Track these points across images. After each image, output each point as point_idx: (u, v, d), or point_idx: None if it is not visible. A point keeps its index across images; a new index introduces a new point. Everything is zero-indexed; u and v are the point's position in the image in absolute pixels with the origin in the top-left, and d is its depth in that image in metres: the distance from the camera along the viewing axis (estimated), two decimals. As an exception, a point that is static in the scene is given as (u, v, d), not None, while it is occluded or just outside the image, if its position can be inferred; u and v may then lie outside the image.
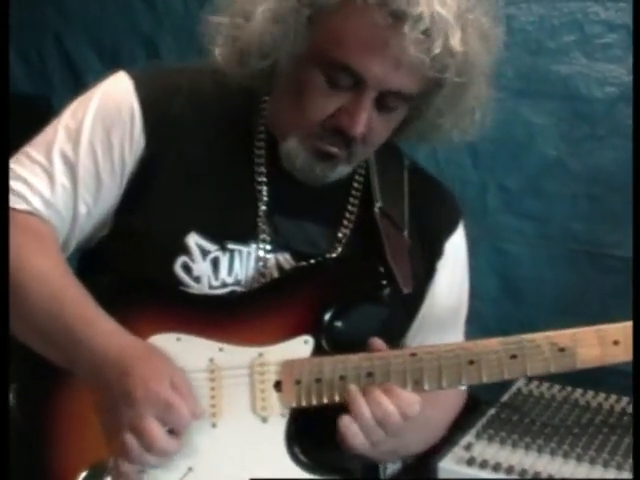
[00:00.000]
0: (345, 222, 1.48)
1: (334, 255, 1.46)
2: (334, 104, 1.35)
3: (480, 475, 2.10)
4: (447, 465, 2.12)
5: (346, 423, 1.32)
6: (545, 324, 2.68)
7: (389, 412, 1.31)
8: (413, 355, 1.35)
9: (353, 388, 1.34)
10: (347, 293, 1.41)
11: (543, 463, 2.12)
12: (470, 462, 2.12)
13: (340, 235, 1.48)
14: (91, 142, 1.41)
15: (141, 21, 3.21)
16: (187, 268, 1.42)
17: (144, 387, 1.26)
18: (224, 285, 1.44)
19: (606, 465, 2.11)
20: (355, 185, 1.50)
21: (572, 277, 2.63)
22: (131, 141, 1.41)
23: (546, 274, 2.65)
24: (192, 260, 1.42)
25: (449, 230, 1.56)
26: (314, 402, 1.36)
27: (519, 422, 2.30)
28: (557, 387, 2.51)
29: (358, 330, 1.41)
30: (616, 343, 1.34)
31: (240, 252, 1.44)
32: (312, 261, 1.44)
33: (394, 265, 1.40)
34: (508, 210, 2.69)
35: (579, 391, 2.50)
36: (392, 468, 2.14)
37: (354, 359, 1.36)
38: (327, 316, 1.40)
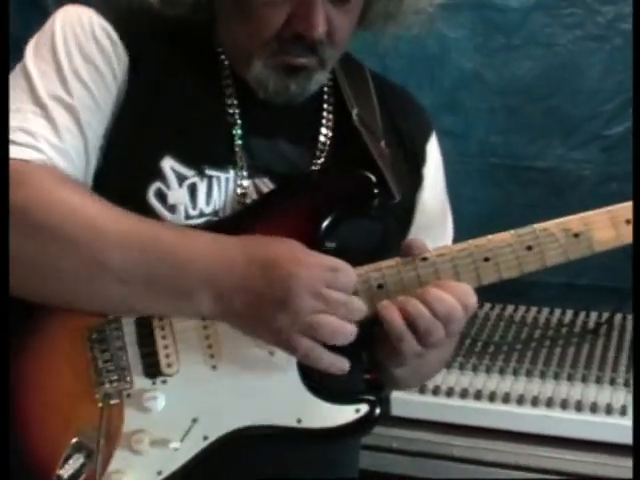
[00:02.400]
0: (322, 137, 1.40)
1: (321, 169, 1.38)
2: (283, 11, 1.27)
3: (436, 401, 2.05)
4: (399, 395, 2.05)
5: (399, 329, 1.22)
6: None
7: (452, 305, 1.22)
8: (424, 259, 1.27)
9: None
10: (337, 208, 1.31)
11: (494, 383, 2.08)
12: (422, 390, 2.07)
13: (318, 152, 1.39)
14: (77, 74, 1.28)
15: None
16: (161, 196, 1.30)
17: (297, 276, 1.19)
18: (202, 215, 1.33)
19: (557, 378, 2.09)
20: (326, 97, 1.43)
21: (491, 192, 2.59)
22: (118, 60, 1.30)
23: (464, 190, 2.57)
24: (167, 186, 1.30)
25: (426, 135, 1.51)
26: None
27: (460, 344, 2.25)
28: (488, 305, 2.49)
29: (352, 249, 1.31)
30: (628, 222, 1.30)
31: (218, 179, 1.34)
32: (293, 177, 1.36)
33: (385, 171, 1.34)
34: None
35: (511, 307, 2.49)
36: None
37: (361, 272, 1.26)
38: (317, 235, 1.29)
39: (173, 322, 1.26)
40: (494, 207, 2.57)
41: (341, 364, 1.22)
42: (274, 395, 1.27)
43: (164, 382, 1.26)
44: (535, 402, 2.01)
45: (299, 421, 1.26)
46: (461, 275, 1.28)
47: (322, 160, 1.39)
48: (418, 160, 1.48)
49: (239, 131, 1.36)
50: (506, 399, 2.03)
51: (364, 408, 1.27)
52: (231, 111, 1.36)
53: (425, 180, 1.49)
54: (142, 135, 1.30)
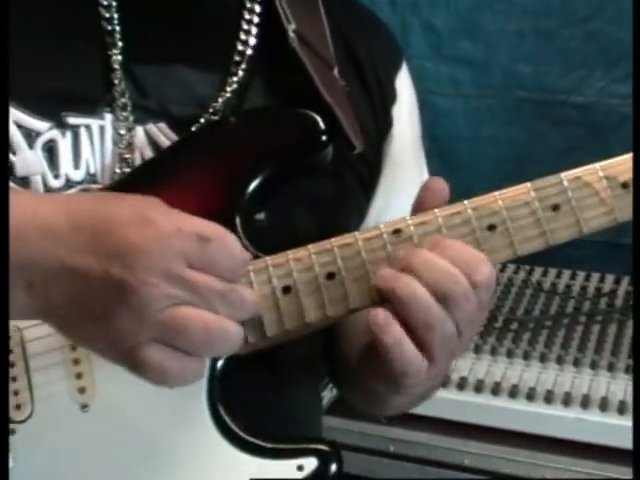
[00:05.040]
0: (241, 59, 1.04)
1: (234, 113, 1.02)
2: None
3: (444, 396, 1.66)
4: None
5: (382, 321, 0.85)
6: (485, 193, 2.39)
7: (452, 275, 0.86)
8: (397, 232, 0.90)
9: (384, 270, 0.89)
10: (268, 164, 0.96)
11: (516, 373, 1.70)
12: (445, 384, 1.67)
13: (236, 83, 1.03)
14: None
15: None
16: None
17: (141, 248, 0.80)
18: (69, 184, 0.98)
19: (595, 367, 1.70)
20: (248, 5, 1.06)
21: (518, 133, 2.27)
22: None
23: (486, 131, 2.28)
24: (12, 151, 0.97)
25: (395, 65, 1.18)
26: (248, 339, 0.89)
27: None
28: (512, 267, 2.10)
29: (293, 222, 1.02)
30: None
31: (88, 128, 0.99)
32: (205, 123, 1.01)
33: (337, 110, 0.99)
34: (437, 55, 2.29)
35: (539, 270, 2.09)
36: (329, 397, 1.70)
37: (302, 255, 0.89)
38: (243, 207, 0.94)
39: (25, 339, 0.90)
40: (521, 151, 2.25)
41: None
42: (174, 449, 0.90)
43: (12, 432, 0.89)
44: (568, 401, 1.63)
45: None
46: None
47: (244, 92, 1.03)
48: (385, 98, 1.13)
49: (119, 56, 0.99)
50: (531, 396, 1.64)
51: (310, 464, 0.90)
52: (108, 27, 1.00)
53: (395, 124, 1.14)
54: None
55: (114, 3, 1.00)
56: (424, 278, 0.85)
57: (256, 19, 1.05)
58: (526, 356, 1.74)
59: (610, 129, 2.17)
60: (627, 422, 1.57)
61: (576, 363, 1.72)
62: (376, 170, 1.14)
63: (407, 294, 0.85)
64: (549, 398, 1.63)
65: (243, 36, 1.04)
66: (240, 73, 1.03)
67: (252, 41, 1.04)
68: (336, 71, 1.06)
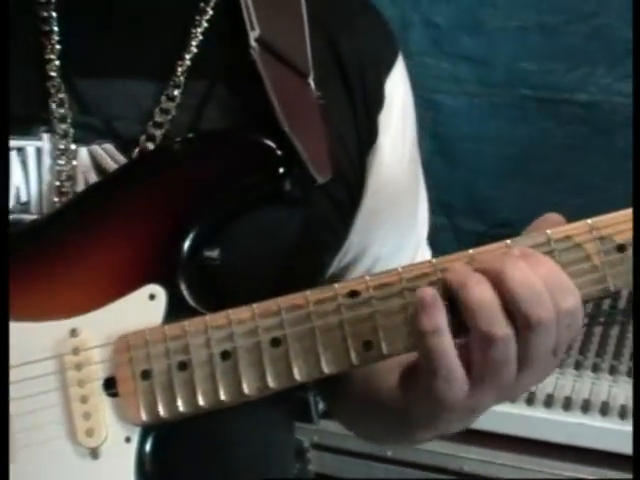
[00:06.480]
0: (196, 72, 0.92)
1: (189, 135, 0.90)
2: None
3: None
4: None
5: (430, 299, 0.76)
6: (488, 192, 2.34)
7: (544, 301, 0.75)
8: (353, 295, 0.81)
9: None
10: (218, 198, 0.87)
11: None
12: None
13: (189, 95, 0.91)
14: None
15: None
16: None
17: None
18: (13, 212, 0.89)
19: (613, 373, 1.65)
20: (202, 5, 0.93)
21: (521, 131, 2.23)
22: None
23: (488, 129, 2.24)
24: None
25: (387, 65, 1.01)
26: (182, 409, 0.82)
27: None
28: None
29: (252, 260, 0.90)
30: None
31: (22, 151, 0.89)
32: (147, 150, 0.90)
33: (295, 136, 0.87)
34: (438, 51, 2.24)
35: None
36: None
37: (245, 315, 0.81)
38: (186, 244, 0.85)
39: None
40: (524, 150, 2.23)
41: None
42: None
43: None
44: (586, 407, 1.58)
45: None
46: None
47: (196, 110, 0.91)
48: (370, 104, 0.98)
49: (57, 62, 0.88)
50: (549, 402, 1.60)
51: None
52: (45, 28, 0.89)
53: (382, 134, 0.99)
54: None
55: (53, 13, 0.90)
56: (510, 289, 0.76)
57: (212, 26, 0.93)
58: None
59: (615, 127, 2.13)
60: (628, 427, 1.54)
61: (595, 369, 1.67)
62: (357, 189, 0.99)
63: (479, 300, 0.76)
64: (549, 402, 1.59)
65: (194, 46, 0.92)
66: (194, 87, 0.91)
67: (209, 53, 0.92)
68: (311, 79, 0.93)
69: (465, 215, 2.29)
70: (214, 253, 0.87)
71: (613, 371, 1.65)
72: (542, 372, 0.80)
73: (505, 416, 1.57)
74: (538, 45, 2.17)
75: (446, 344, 0.76)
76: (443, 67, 2.24)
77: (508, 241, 0.80)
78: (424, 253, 1.07)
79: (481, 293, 0.75)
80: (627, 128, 2.10)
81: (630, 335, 1.77)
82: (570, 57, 2.14)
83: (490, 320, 0.75)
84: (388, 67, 1.01)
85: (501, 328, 0.75)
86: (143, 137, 0.89)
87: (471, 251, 0.80)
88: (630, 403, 1.57)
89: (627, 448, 1.48)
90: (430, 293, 0.76)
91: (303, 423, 1.30)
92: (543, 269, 0.76)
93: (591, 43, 2.12)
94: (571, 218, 2.71)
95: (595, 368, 1.66)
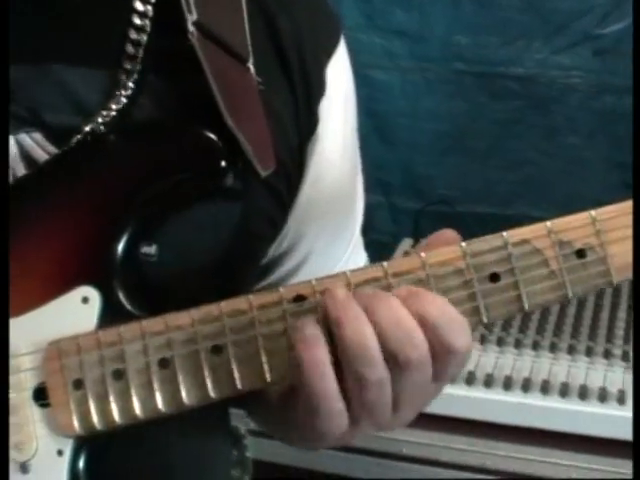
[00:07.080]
0: (133, 58, 0.86)
1: (124, 126, 0.85)
2: None
3: (454, 392, 1.54)
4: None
5: (308, 332, 0.73)
6: (424, 169, 2.31)
7: (416, 340, 0.72)
8: (299, 299, 0.77)
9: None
10: (153, 194, 0.83)
11: (527, 364, 1.58)
12: (469, 381, 1.56)
13: (126, 84, 0.86)
14: None
15: None
16: None
17: None
18: None
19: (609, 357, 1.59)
20: None
21: (457, 106, 2.19)
22: None
23: (424, 105, 2.20)
24: None
25: (328, 50, 0.97)
26: (118, 420, 0.78)
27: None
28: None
29: (190, 255, 0.86)
30: None
31: None
32: (80, 140, 0.84)
33: (238, 127, 0.83)
34: (371, 26, 2.19)
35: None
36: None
37: (183, 321, 0.77)
38: (121, 242, 0.81)
39: None
40: (460, 125, 2.19)
41: None
42: None
43: None
44: (603, 396, 1.50)
45: None
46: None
47: (129, 101, 0.85)
48: (311, 92, 0.94)
49: None
50: (563, 390, 1.53)
51: None
52: None
53: (323, 121, 0.95)
54: None
55: None
56: (379, 329, 0.72)
57: (150, 12, 0.87)
58: (535, 346, 1.64)
59: (551, 101, 2.11)
60: (627, 412, 1.48)
61: (588, 352, 1.61)
62: (296, 178, 0.96)
63: (353, 341, 0.72)
64: (564, 391, 1.53)
65: (134, 33, 0.87)
66: (131, 75, 0.86)
67: (145, 37, 0.87)
68: (251, 64, 0.89)
69: (401, 193, 2.26)
70: (151, 249, 0.82)
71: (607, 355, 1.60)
72: (421, 403, 0.79)
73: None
74: (472, 18, 2.13)
75: (327, 383, 0.73)
76: (376, 42, 2.19)
77: (463, 244, 0.76)
78: (357, 248, 1.06)
79: (356, 333, 0.72)
80: (563, 102, 2.12)
81: (573, 313, 1.73)
82: (505, 30, 2.10)
83: (363, 362, 0.72)
84: (330, 52, 0.96)
85: (375, 372, 0.72)
86: (74, 127, 0.83)
87: (423, 255, 0.76)
88: (571, 380, 1.54)
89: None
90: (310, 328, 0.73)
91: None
92: (432, 307, 0.73)
93: (526, 15, 2.09)
94: (508, 193, 2.69)
95: (535, 346, 1.63)
